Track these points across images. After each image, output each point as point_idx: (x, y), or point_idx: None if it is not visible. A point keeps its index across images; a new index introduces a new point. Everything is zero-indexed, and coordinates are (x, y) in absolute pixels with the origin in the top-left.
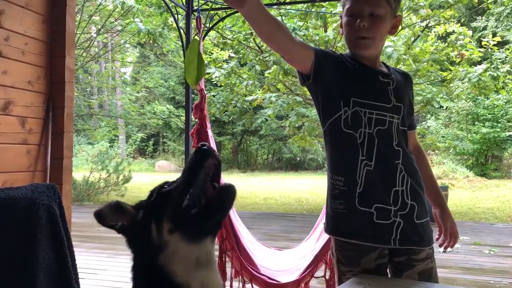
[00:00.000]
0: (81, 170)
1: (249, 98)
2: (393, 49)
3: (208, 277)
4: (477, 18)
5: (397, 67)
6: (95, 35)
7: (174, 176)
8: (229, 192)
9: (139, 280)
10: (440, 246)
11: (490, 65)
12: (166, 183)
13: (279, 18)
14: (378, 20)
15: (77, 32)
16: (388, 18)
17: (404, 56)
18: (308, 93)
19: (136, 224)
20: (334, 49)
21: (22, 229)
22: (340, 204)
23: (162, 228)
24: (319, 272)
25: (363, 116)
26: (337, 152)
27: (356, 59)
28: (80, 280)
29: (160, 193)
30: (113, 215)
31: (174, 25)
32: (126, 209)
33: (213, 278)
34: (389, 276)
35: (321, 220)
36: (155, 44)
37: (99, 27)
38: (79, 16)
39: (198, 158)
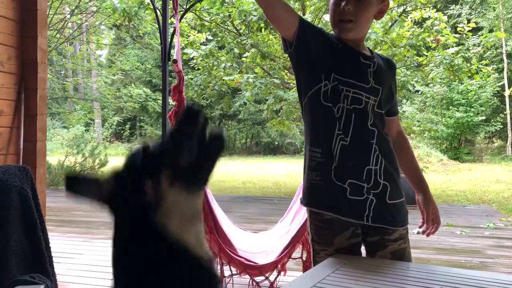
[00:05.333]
0: (56, 155)
1: (227, 78)
2: (371, 30)
3: (202, 232)
4: (452, 7)
5: (375, 51)
6: (69, 16)
7: None
8: (222, 137)
9: (127, 246)
10: (423, 233)
11: (462, 47)
12: (147, 144)
13: None
14: (363, 4)
15: (50, 12)
16: (374, 3)
17: (382, 39)
18: (286, 77)
19: (122, 187)
20: None
21: None
22: (317, 176)
23: (161, 181)
24: (296, 254)
25: (341, 92)
26: (315, 124)
27: (340, 39)
28: (55, 264)
29: (148, 149)
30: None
31: (151, 6)
32: (102, 181)
33: (204, 233)
34: (363, 255)
35: (295, 201)
36: (131, 26)
37: (73, 7)
38: None
39: (189, 115)
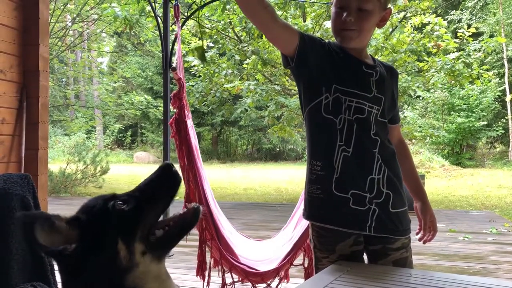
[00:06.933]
0: (57, 162)
1: (228, 85)
2: (372, 36)
3: (172, 286)
4: (452, 12)
5: (375, 57)
6: (70, 24)
7: (152, 167)
8: (196, 214)
9: None
10: (420, 240)
11: (463, 53)
12: (115, 196)
13: None
14: (365, 14)
15: (52, 20)
16: (376, 13)
17: (382, 45)
18: (287, 83)
19: (90, 244)
20: None
21: None
22: (317, 189)
23: (134, 250)
24: (298, 260)
25: (343, 102)
26: (315, 137)
27: (342, 48)
28: (57, 272)
29: (122, 211)
30: (48, 236)
31: (152, 13)
32: (60, 228)
33: (174, 286)
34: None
35: (298, 208)
36: (133, 33)
37: (75, 15)
38: (53, 4)
39: (165, 178)
